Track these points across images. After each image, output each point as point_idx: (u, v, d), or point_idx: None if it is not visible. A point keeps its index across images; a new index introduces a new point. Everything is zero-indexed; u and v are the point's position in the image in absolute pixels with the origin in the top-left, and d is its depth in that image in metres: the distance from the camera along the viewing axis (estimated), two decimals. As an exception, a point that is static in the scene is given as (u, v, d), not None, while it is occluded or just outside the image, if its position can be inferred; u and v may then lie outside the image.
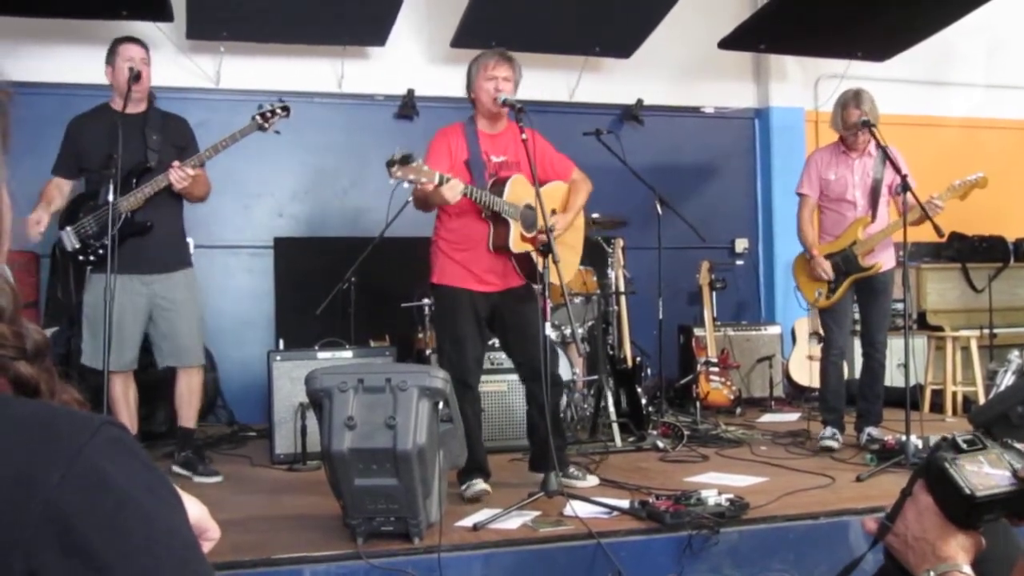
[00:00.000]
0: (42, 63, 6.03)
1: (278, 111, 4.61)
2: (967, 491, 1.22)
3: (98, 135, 4.42)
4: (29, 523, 0.66)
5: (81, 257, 4.43)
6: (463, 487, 3.96)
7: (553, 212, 4.16)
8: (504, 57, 4.14)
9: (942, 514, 1.25)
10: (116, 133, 4.29)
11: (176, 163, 4.39)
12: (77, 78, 6.13)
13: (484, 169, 4.10)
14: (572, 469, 4.20)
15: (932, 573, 1.24)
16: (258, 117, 4.59)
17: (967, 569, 1.23)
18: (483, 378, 4.58)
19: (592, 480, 4.19)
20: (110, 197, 4.24)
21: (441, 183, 3.75)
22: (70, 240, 4.43)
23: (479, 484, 3.96)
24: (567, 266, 4.26)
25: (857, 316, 5.45)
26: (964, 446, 1.26)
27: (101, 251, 4.34)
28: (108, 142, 4.33)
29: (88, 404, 0.82)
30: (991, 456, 1.26)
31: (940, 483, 1.24)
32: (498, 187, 4.04)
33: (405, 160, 3.69)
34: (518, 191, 4.04)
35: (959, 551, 1.24)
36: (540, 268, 3.91)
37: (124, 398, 4.48)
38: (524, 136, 3.90)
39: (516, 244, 4.06)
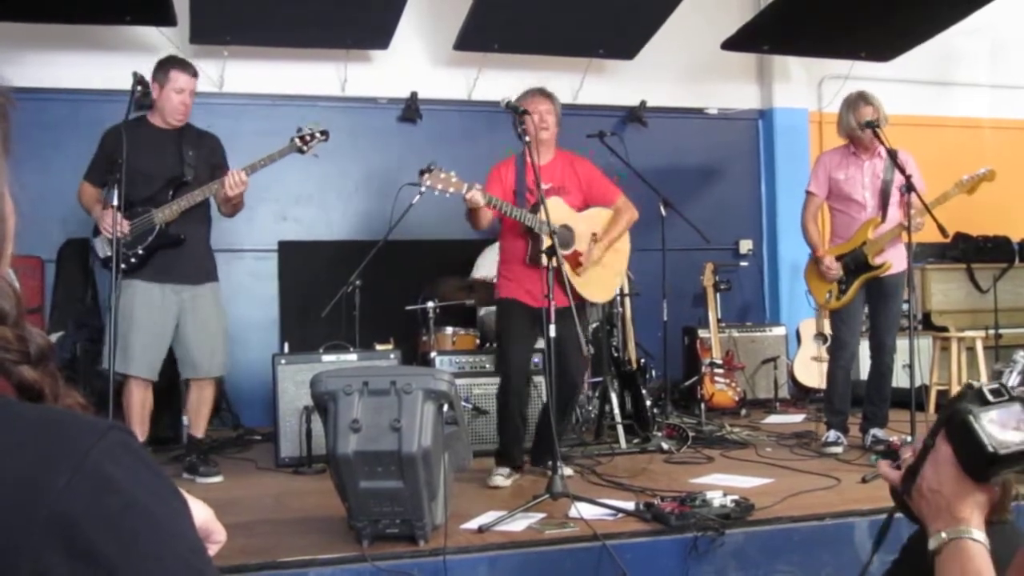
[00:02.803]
0: (47, 69, 6.04)
1: (318, 135, 4.72)
2: (990, 449, 1.19)
3: (134, 146, 4.39)
4: (36, 526, 0.66)
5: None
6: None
7: (593, 236, 4.54)
8: (542, 92, 4.63)
9: (960, 466, 1.22)
10: (152, 146, 4.47)
11: (233, 170, 4.49)
12: (82, 83, 6.16)
13: (532, 196, 4.45)
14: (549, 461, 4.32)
15: (944, 535, 1.23)
16: (297, 139, 4.67)
17: (978, 535, 1.21)
18: (488, 380, 5.01)
19: (567, 470, 4.32)
20: (114, 201, 4.27)
21: (469, 190, 4.19)
22: (103, 247, 4.48)
23: (498, 477, 4.34)
24: (605, 286, 4.72)
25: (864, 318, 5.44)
26: (990, 397, 1.22)
27: (133, 259, 4.43)
28: (145, 154, 4.42)
29: (92, 408, 0.82)
30: (1015, 409, 1.22)
31: (961, 435, 1.21)
32: (532, 208, 4.38)
33: (430, 169, 4.16)
34: (551, 212, 4.27)
35: (974, 511, 1.22)
36: (547, 265, 4.11)
37: (141, 406, 4.51)
38: (527, 140, 4.13)
39: (546, 258, 4.29)
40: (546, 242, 4.19)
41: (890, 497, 1.39)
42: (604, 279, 4.66)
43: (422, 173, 4.17)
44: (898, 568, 1.63)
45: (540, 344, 4.88)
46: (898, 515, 1.43)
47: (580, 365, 4.49)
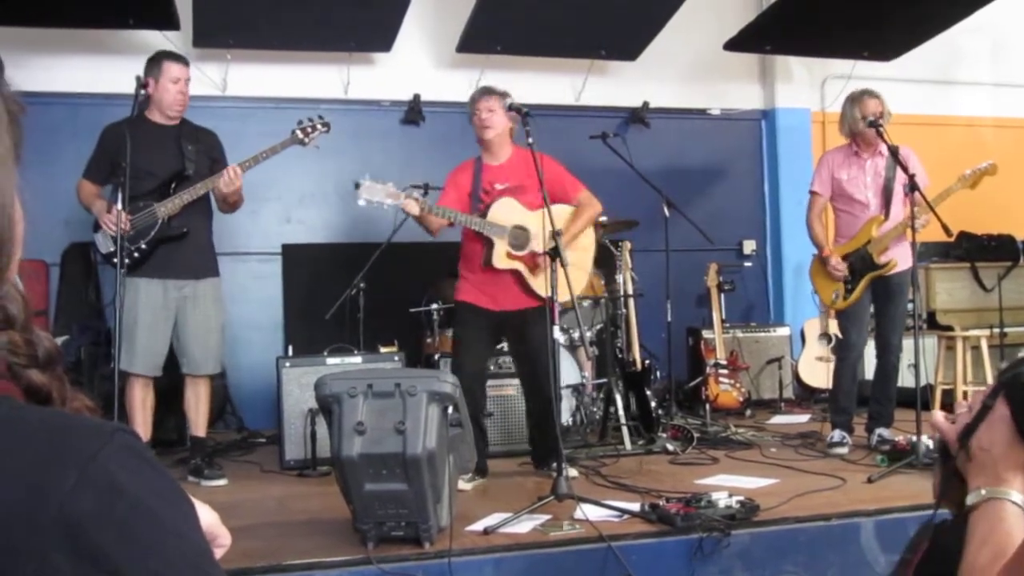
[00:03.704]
0: (51, 73, 6.05)
1: (319, 126, 4.71)
2: None
3: (134, 143, 4.39)
4: (42, 528, 0.66)
5: (115, 260, 4.47)
6: None
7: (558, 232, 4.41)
8: (484, 91, 4.53)
9: (1015, 427, 1.22)
10: (152, 142, 4.46)
11: (230, 166, 4.49)
12: (86, 87, 6.17)
13: (487, 197, 4.46)
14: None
15: (983, 491, 1.23)
16: (298, 131, 4.66)
17: (1017, 498, 1.21)
18: (491, 382, 4.95)
19: (571, 472, 4.26)
20: (118, 205, 4.32)
21: (405, 199, 4.20)
22: (105, 242, 4.49)
23: (459, 480, 4.14)
24: (572, 282, 4.46)
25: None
26: None
27: (136, 254, 4.43)
28: (145, 151, 4.41)
29: (100, 410, 0.82)
30: None
31: (1021, 398, 1.21)
32: (484, 211, 4.37)
33: (360, 184, 4.18)
34: (502, 213, 4.30)
35: (1018, 475, 1.22)
36: (547, 269, 4.04)
37: (142, 404, 4.52)
38: (531, 141, 4.04)
39: (500, 261, 4.36)
40: (494, 250, 4.23)
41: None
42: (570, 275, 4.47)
43: (357, 187, 4.14)
44: (930, 565, 1.62)
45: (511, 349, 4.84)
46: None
47: (550, 369, 4.19)
